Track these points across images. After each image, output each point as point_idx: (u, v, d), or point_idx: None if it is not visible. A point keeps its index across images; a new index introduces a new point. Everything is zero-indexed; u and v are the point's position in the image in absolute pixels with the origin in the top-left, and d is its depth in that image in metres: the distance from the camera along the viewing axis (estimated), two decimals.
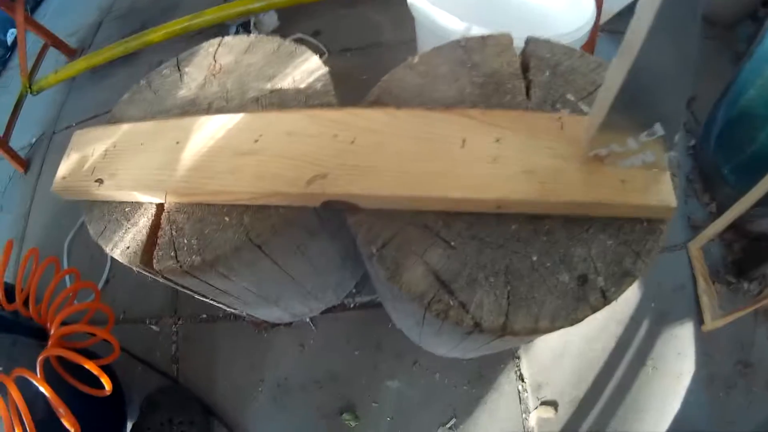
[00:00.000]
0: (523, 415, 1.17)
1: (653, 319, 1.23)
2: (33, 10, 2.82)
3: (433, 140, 0.56)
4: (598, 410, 1.15)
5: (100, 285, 1.52)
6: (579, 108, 0.63)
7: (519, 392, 1.19)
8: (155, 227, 0.67)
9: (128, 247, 0.67)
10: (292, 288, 0.92)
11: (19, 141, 2.06)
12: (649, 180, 0.53)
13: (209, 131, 0.63)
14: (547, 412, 1.14)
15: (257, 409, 1.26)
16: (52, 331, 1.00)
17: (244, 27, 1.96)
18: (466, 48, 0.70)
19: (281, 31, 2.03)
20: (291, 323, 1.30)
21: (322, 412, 1.23)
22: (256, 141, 0.58)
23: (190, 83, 0.81)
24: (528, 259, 0.54)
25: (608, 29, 1.74)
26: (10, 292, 1.08)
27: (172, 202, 0.66)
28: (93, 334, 1.04)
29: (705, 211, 1.35)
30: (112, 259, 0.68)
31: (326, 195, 0.53)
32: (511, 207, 0.53)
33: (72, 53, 2.38)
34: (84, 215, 0.74)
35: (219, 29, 2.02)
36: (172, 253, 0.64)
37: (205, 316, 1.40)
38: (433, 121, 0.58)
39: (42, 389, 0.88)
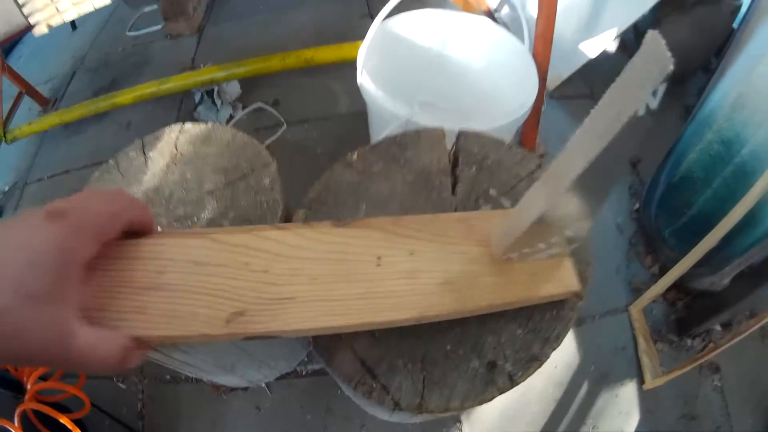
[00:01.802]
0: None
1: (594, 380, 1.32)
2: (8, 51, 2.92)
3: (348, 261, 0.55)
4: None
5: None
6: (500, 203, 0.73)
7: None
8: None
9: None
10: (246, 359, 1.00)
11: None
12: (554, 268, 0.59)
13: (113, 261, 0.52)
14: None
15: None
16: (28, 386, 1.11)
17: (209, 94, 2.08)
18: (401, 144, 0.80)
19: (243, 99, 2.17)
20: (248, 388, 1.39)
21: None
22: (161, 273, 0.51)
23: (154, 168, 0.90)
24: (443, 348, 0.63)
25: (557, 95, 1.87)
26: None
27: None
28: (65, 390, 1.15)
29: (648, 273, 1.45)
30: None
31: (247, 334, 0.49)
32: (430, 319, 0.55)
33: (45, 102, 2.49)
34: None
35: (184, 94, 2.16)
36: None
37: (169, 377, 1.48)
38: (345, 238, 0.57)
39: None
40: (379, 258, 0.56)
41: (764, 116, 1.13)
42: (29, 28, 1.31)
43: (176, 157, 0.91)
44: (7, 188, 2.22)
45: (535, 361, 0.62)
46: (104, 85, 2.46)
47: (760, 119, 1.13)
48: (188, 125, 0.95)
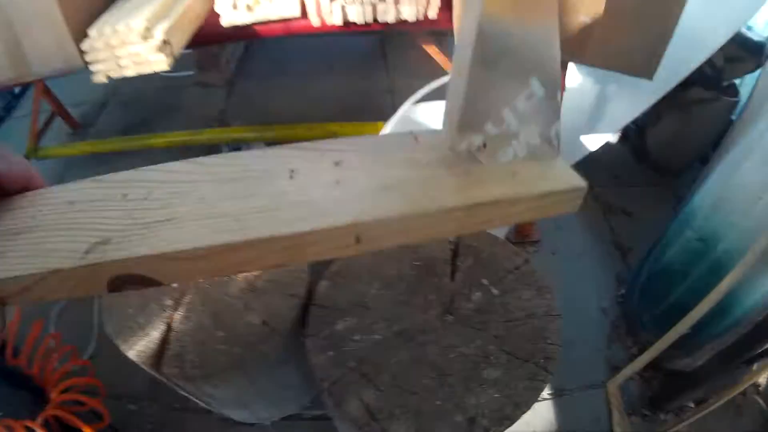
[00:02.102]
0: None
1: None
2: None
3: (249, 178, 0.46)
4: None
5: (84, 358, 1.76)
6: (490, 291, 0.93)
7: None
8: (164, 341, 0.94)
9: (143, 351, 0.93)
10: (261, 398, 1.19)
11: None
12: (541, 166, 0.48)
13: None
14: None
15: None
16: (53, 395, 1.23)
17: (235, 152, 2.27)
18: None
19: None
20: (254, 424, 1.55)
21: None
22: (33, 217, 0.46)
23: None
24: (433, 403, 0.81)
25: None
26: (15, 348, 1.29)
27: (178, 323, 0.94)
28: (85, 403, 1.29)
29: (627, 354, 1.62)
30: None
31: (109, 265, 0.40)
32: (373, 235, 0.43)
33: (76, 126, 2.70)
34: (103, 315, 1.00)
35: (212, 147, 2.37)
36: (177, 364, 0.91)
37: (178, 405, 1.63)
38: (250, 158, 0.48)
39: None
40: (292, 171, 0.46)
41: (739, 218, 1.29)
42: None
43: None
44: None
45: (507, 420, 0.82)
46: (135, 122, 2.68)
47: (734, 220, 1.30)
48: None
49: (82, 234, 0.42)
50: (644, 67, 1.24)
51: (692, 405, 1.53)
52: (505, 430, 0.82)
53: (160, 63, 1.16)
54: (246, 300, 0.98)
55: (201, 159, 0.48)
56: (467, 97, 0.43)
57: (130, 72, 1.22)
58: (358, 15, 1.23)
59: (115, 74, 1.25)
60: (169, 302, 0.98)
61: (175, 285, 1.02)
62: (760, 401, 1.57)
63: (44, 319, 1.41)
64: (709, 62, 1.89)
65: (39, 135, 2.43)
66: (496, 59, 0.42)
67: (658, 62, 1.24)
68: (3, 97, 2.94)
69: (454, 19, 1.27)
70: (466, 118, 0.45)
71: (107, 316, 1.00)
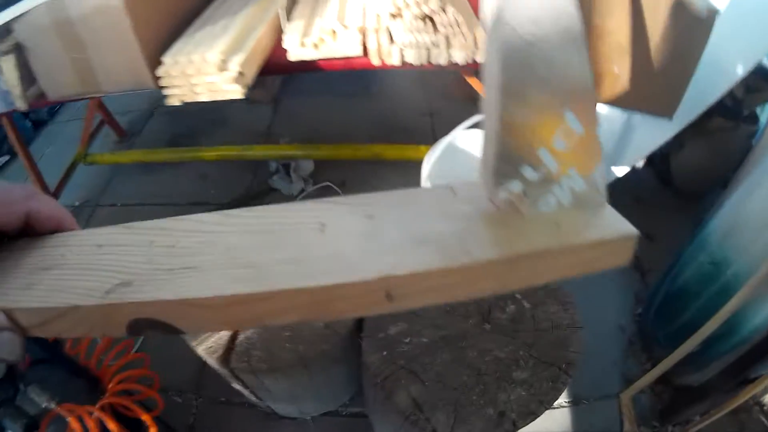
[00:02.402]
0: None
1: None
2: None
3: (278, 231, 0.45)
4: None
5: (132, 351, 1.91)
6: (522, 305, 1.09)
7: None
8: (233, 339, 1.10)
9: (211, 348, 1.09)
10: (312, 394, 1.35)
11: (62, 201, 2.38)
12: (591, 215, 0.44)
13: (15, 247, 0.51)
14: None
15: None
16: (110, 386, 1.33)
17: (285, 167, 2.43)
18: None
19: (315, 176, 2.51)
20: (296, 418, 1.69)
21: None
22: (63, 255, 0.48)
23: None
24: (470, 398, 0.97)
25: None
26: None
27: None
28: (142, 392, 1.40)
29: (641, 368, 1.75)
30: None
31: (128, 307, 0.41)
32: (405, 291, 0.40)
33: (122, 134, 2.88)
34: None
35: (260, 162, 2.58)
36: (246, 359, 1.06)
37: (223, 399, 1.77)
38: (280, 212, 0.47)
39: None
40: (323, 225, 0.44)
41: (748, 243, 1.39)
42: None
43: None
44: (77, 203, 2.53)
45: (532, 414, 0.97)
46: (182, 132, 2.86)
47: (745, 245, 1.41)
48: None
49: (106, 275, 0.43)
50: (666, 109, 1.39)
51: (698, 418, 1.66)
52: (529, 422, 0.97)
53: (235, 92, 1.31)
54: None
55: (230, 211, 0.48)
56: (500, 138, 0.41)
57: (205, 98, 1.36)
58: (414, 57, 1.37)
59: (189, 99, 1.39)
60: None
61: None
62: (764, 420, 1.66)
63: None
64: (730, 93, 1.96)
65: (89, 141, 2.59)
66: (525, 91, 0.40)
67: (677, 104, 1.39)
68: None
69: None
70: (502, 163, 0.42)
71: None
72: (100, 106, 2.66)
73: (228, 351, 1.09)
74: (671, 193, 2.37)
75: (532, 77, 0.40)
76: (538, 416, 0.97)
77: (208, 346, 1.09)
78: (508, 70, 0.40)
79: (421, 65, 1.39)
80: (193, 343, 1.11)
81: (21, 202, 0.48)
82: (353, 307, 0.40)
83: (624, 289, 2.02)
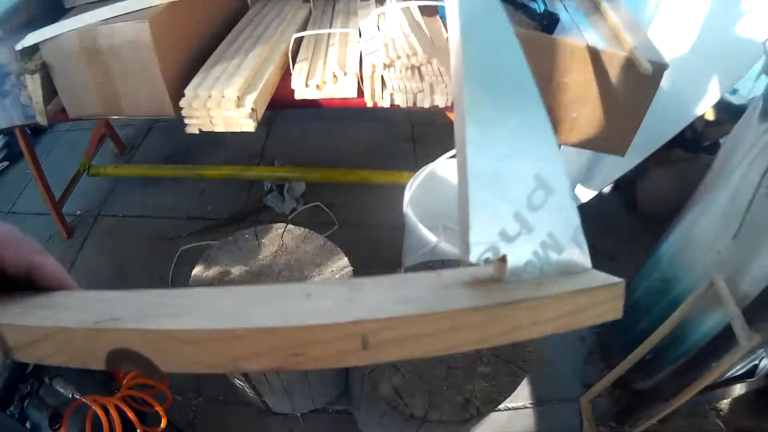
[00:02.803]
0: None
1: None
2: None
3: (266, 297, 0.48)
4: None
5: None
6: None
7: None
8: None
9: None
10: (304, 388, 1.55)
11: (64, 210, 2.53)
12: (574, 277, 0.44)
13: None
14: None
15: None
16: (124, 381, 1.46)
17: (278, 187, 2.65)
18: (432, 269, 1.38)
19: (306, 196, 2.70)
20: (287, 414, 1.87)
21: None
22: (63, 302, 0.51)
23: (266, 252, 1.46)
24: (442, 388, 1.18)
25: None
26: None
27: None
28: (154, 386, 1.57)
29: (599, 374, 1.91)
30: None
31: (112, 333, 0.41)
32: (382, 338, 0.39)
33: (122, 147, 3.01)
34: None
35: (254, 181, 2.77)
36: None
37: (221, 398, 1.94)
38: (272, 287, 0.50)
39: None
40: (309, 294, 0.46)
41: (695, 263, 1.59)
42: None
43: (282, 247, 1.47)
44: (79, 212, 2.66)
45: (494, 402, 1.18)
46: (180, 150, 3.01)
47: (691, 265, 1.60)
48: (291, 227, 1.51)
49: (100, 314, 0.44)
50: (617, 149, 1.61)
51: (652, 421, 1.86)
52: (492, 409, 1.18)
53: (248, 126, 1.50)
54: None
55: (227, 287, 0.53)
56: (472, 204, 0.41)
57: (220, 128, 1.53)
58: (402, 101, 1.58)
59: (207, 128, 1.56)
60: None
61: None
62: (720, 424, 1.86)
63: None
64: (690, 126, 2.19)
65: (93, 153, 2.72)
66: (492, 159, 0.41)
67: (628, 145, 1.60)
68: None
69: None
70: (476, 224, 0.41)
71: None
72: (106, 121, 2.79)
73: None
74: (636, 216, 2.57)
75: (496, 141, 0.41)
76: (499, 404, 1.18)
77: None
78: (470, 133, 0.41)
79: (408, 107, 1.61)
80: None
81: (29, 252, 0.52)
82: (327, 354, 0.39)
83: None
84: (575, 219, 0.43)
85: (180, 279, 2.31)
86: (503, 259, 0.42)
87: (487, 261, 0.42)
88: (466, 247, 0.42)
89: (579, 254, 0.44)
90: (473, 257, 0.41)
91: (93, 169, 2.69)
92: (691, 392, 1.44)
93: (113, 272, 2.37)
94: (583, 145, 1.66)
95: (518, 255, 0.42)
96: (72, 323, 0.42)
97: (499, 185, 0.41)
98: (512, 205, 0.41)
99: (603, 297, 0.42)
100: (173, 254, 2.39)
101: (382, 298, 0.43)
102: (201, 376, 2.00)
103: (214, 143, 2.98)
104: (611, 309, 0.43)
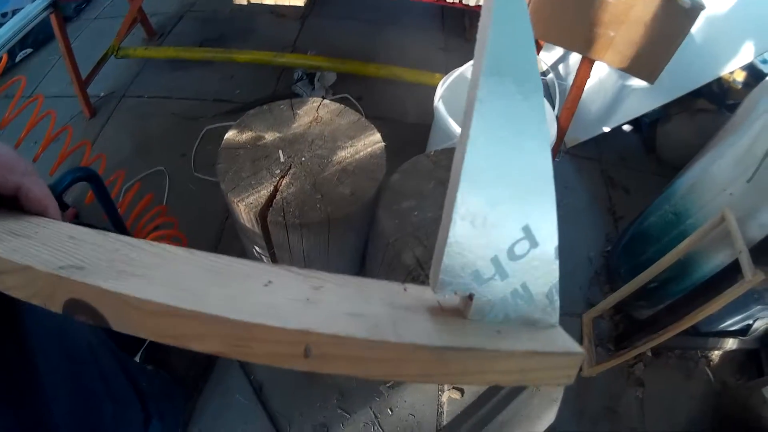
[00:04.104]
0: (439, 392, 1.75)
1: None
2: None
3: (228, 273, 0.48)
4: (492, 404, 1.79)
5: None
6: None
7: None
8: (272, 196, 1.29)
9: (252, 203, 1.27)
10: (323, 259, 1.57)
11: (89, 91, 2.51)
12: (537, 331, 0.44)
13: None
14: (455, 394, 1.75)
15: None
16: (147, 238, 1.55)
17: (309, 76, 2.67)
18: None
19: (336, 87, 2.71)
20: None
21: None
22: (36, 232, 0.52)
23: (300, 122, 1.47)
24: None
25: (571, 152, 2.44)
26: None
27: (284, 186, 1.32)
28: (164, 236, 1.67)
29: (603, 296, 1.98)
30: None
31: (73, 284, 0.41)
32: (324, 351, 0.38)
33: (152, 34, 3.00)
34: (218, 175, 1.33)
35: (284, 69, 2.78)
36: (282, 214, 1.27)
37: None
38: (236, 263, 0.50)
39: None
40: (269, 282, 0.46)
41: (707, 201, 1.62)
42: None
43: (317, 119, 1.49)
44: (102, 94, 2.65)
45: None
46: (212, 37, 3.00)
47: (703, 202, 1.63)
48: (326, 101, 1.53)
49: (65, 257, 0.45)
50: (647, 75, 1.69)
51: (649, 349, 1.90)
52: None
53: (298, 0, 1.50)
54: (340, 177, 1.34)
55: (196, 250, 0.51)
56: (450, 242, 0.41)
57: (269, 1, 1.55)
58: None
59: (256, 0, 1.58)
60: (277, 172, 1.34)
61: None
62: (709, 372, 1.92)
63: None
64: (718, 81, 2.28)
65: (123, 36, 2.69)
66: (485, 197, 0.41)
67: (658, 73, 1.67)
68: None
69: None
70: (450, 262, 0.41)
71: (222, 177, 1.33)
72: (137, 6, 2.72)
73: (267, 207, 1.28)
74: (653, 159, 2.60)
75: (494, 189, 0.41)
76: None
77: (249, 202, 1.28)
78: (469, 171, 0.40)
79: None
80: (235, 199, 1.29)
81: (19, 174, 0.52)
82: (269, 353, 0.39)
83: (597, 229, 2.27)
84: (554, 276, 0.43)
85: (203, 157, 2.33)
86: (470, 297, 0.42)
87: (455, 293, 0.42)
88: (435, 280, 0.42)
89: (549, 310, 0.44)
90: (439, 294, 0.42)
91: (122, 50, 2.66)
92: (690, 321, 1.48)
93: (135, 148, 2.39)
94: (616, 64, 1.73)
95: (486, 297, 0.42)
96: (38, 263, 0.43)
97: (485, 228, 0.41)
98: (492, 250, 0.41)
99: (557, 363, 0.41)
100: (197, 133, 2.42)
101: (339, 306, 0.43)
102: (217, 245, 2.05)
103: (246, 33, 2.99)
104: (563, 375, 0.41)
